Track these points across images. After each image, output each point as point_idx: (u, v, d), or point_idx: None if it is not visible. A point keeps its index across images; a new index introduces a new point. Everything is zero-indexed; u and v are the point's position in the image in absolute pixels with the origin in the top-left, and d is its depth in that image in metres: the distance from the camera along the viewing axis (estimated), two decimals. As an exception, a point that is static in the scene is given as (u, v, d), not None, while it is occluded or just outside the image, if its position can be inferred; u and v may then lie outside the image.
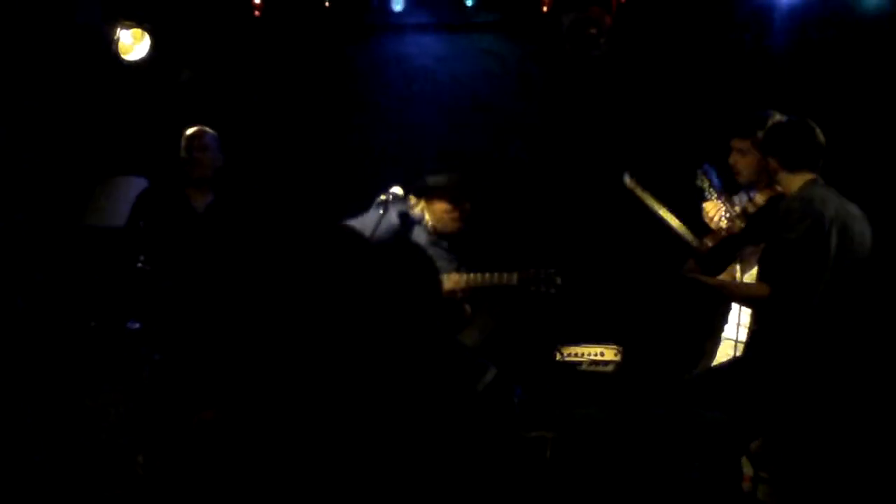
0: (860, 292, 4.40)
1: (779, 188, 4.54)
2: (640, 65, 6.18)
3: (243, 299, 4.97)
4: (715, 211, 4.71)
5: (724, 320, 4.88)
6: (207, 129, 5.59)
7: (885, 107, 5.71)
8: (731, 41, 6.00)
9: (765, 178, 4.65)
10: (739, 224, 4.58)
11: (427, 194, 5.24)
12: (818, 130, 4.46)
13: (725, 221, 4.64)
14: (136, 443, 4.60)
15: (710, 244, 4.59)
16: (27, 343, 5.32)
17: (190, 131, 5.57)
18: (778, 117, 4.61)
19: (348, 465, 2.96)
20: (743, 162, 4.72)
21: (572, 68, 6.20)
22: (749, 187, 4.74)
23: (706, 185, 4.71)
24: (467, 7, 6.34)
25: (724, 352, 4.86)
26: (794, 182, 4.43)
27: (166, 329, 5.23)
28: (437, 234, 5.24)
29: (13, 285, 5.66)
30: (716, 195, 4.70)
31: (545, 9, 6.11)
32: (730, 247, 4.56)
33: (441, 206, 5.21)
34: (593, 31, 5.92)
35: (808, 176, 4.42)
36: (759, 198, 4.63)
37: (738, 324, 4.65)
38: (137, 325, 5.19)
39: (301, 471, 2.97)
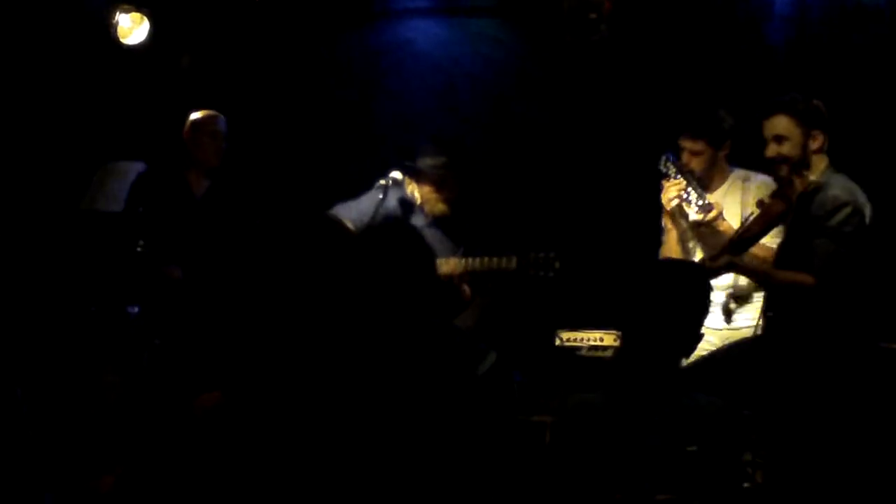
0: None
1: (805, 172, 4.46)
2: (640, 50, 6.16)
3: (241, 284, 4.97)
4: (676, 190, 4.82)
5: None
6: (219, 114, 5.56)
7: (885, 101, 5.69)
8: (731, 27, 5.98)
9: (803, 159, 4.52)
10: (780, 205, 4.48)
11: (414, 176, 5.27)
12: None
13: (688, 205, 4.77)
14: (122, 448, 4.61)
15: (756, 228, 4.51)
16: (27, 329, 5.32)
17: (202, 114, 5.53)
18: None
19: (346, 450, 2.97)
20: (697, 160, 4.84)
21: (571, 53, 6.18)
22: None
23: (671, 169, 4.85)
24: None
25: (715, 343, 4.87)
26: (822, 162, 4.44)
27: (166, 313, 5.23)
28: (432, 217, 5.25)
29: (11, 273, 5.66)
30: (679, 175, 4.83)
31: (545, -7, 6.11)
32: (766, 228, 4.53)
33: (426, 189, 5.25)
34: (593, 15, 5.90)
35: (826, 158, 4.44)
36: (799, 183, 4.51)
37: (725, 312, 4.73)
38: (137, 310, 5.19)
39: (297, 453, 2.97)
